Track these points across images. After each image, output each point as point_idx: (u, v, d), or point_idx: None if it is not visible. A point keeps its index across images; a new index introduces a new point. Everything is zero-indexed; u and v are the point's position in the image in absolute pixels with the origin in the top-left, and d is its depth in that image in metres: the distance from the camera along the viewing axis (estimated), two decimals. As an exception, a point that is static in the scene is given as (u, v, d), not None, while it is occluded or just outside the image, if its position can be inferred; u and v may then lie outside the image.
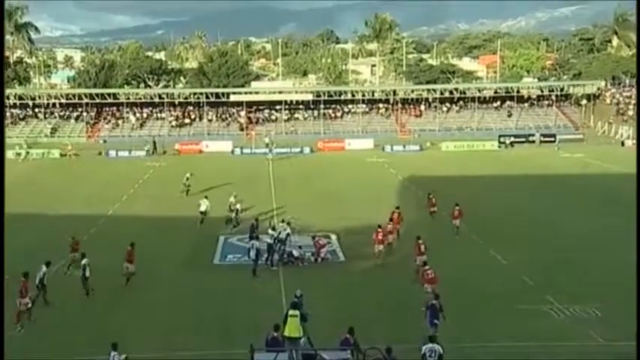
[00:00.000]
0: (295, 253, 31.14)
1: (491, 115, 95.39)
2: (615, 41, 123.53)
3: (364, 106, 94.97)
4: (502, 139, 79.53)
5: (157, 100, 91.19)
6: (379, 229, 30.96)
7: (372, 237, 30.92)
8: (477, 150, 75.51)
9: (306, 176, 56.73)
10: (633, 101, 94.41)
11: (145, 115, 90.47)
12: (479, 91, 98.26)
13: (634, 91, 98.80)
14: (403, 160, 67.44)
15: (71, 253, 29.35)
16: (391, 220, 33.52)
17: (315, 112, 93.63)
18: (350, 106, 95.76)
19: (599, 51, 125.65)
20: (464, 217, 35.20)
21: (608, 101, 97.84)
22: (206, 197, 39.10)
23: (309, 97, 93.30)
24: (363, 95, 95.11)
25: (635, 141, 77.32)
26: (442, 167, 61.03)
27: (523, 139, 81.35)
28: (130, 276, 27.73)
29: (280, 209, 41.15)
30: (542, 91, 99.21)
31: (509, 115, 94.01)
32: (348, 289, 27.47)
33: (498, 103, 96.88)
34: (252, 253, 29.57)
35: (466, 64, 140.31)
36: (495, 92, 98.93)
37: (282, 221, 33.82)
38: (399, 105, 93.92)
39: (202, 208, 37.77)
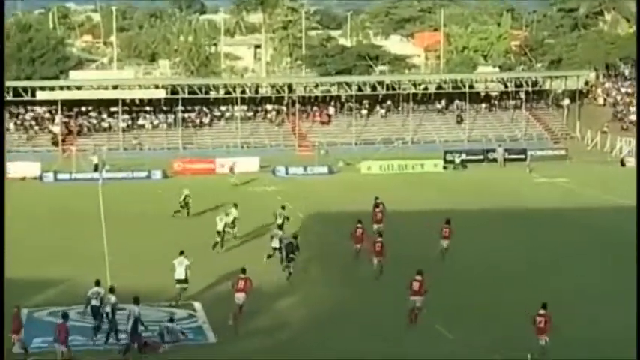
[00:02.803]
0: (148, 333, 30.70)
1: (434, 121, 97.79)
2: (608, 14, 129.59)
3: (244, 107, 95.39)
4: (449, 157, 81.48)
5: None
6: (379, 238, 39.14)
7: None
8: (413, 173, 77.02)
9: (156, 215, 56.08)
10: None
11: None
12: (414, 85, 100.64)
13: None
14: (304, 189, 67.72)
15: None
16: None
17: (170, 117, 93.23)
18: (223, 107, 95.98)
19: (586, 28, 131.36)
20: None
21: (600, 101, 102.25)
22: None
23: (161, 93, 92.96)
24: (243, 91, 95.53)
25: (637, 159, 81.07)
26: (361, 198, 61.56)
27: (480, 157, 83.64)
28: None
29: (115, 269, 40.51)
30: (506, 86, 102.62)
31: (460, 122, 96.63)
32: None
33: (443, 103, 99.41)
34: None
35: (395, 45, 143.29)
36: (439, 87, 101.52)
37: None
38: (297, 106, 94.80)
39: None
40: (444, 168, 79.64)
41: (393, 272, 40.02)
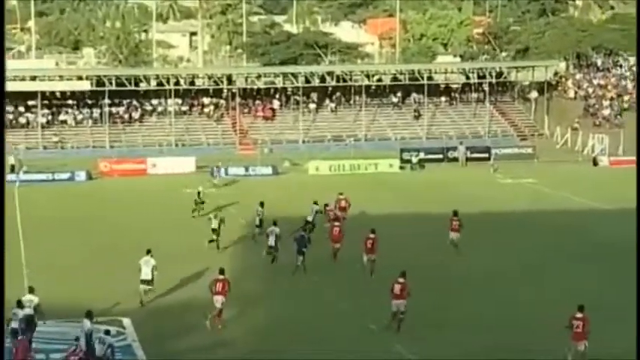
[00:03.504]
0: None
1: (389, 116, 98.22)
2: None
3: (179, 101, 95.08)
4: (406, 156, 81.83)
5: None
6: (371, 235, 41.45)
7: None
8: (366, 173, 77.25)
9: (78, 220, 55.77)
10: (611, 93, 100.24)
11: None
12: (367, 77, 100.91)
13: (612, 78, 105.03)
14: (245, 191, 67.58)
15: None
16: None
17: (96, 112, 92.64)
18: (155, 101, 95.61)
19: (555, 14, 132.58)
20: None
21: (571, 94, 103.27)
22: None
23: (85, 85, 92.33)
24: (177, 83, 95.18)
25: (612, 158, 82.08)
26: (309, 202, 61.65)
27: (439, 156, 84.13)
28: None
29: (32, 277, 40.13)
30: (468, 78, 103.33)
31: (417, 117, 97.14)
32: None
33: (399, 96, 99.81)
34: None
35: (346, 32, 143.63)
36: (394, 79, 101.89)
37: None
38: (238, 100, 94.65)
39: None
40: (401, 168, 79.95)
41: (342, 282, 40.22)
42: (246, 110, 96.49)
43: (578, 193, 65.03)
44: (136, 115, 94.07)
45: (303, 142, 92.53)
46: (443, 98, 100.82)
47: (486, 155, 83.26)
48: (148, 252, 38.21)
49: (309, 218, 49.42)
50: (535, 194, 65.59)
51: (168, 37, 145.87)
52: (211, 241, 47.34)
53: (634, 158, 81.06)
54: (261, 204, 49.53)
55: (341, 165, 78.99)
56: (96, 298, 36.74)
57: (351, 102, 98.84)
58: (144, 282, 37.46)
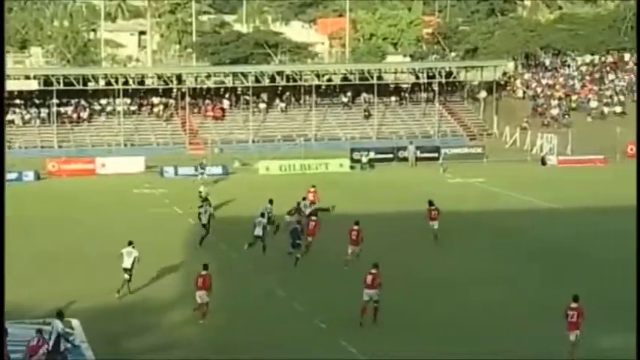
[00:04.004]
0: None
1: (339, 115, 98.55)
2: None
3: (128, 101, 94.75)
4: (356, 156, 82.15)
5: None
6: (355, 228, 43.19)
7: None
8: (317, 173, 77.37)
9: (25, 221, 55.41)
10: (559, 93, 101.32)
11: None
12: (318, 76, 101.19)
13: (560, 77, 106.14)
14: (195, 192, 67.58)
15: None
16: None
17: (44, 112, 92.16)
18: (103, 101, 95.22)
19: (503, 14, 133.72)
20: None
21: (519, 93, 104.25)
22: None
23: (33, 85, 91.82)
24: (126, 83, 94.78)
25: (561, 157, 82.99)
26: (259, 202, 61.72)
27: (389, 155, 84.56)
28: None
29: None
30: (417, 78, 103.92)
31: (367, 117, 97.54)
32: None
33: (349, 96, 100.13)
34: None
35: (296, 32, 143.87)
36: (344, 79, 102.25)
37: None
38: (187, 99, 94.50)
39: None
40: (351, 168, 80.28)
41: (296, 281, 40.39)
42: (195, 110, 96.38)
43: (526, 192, 65.65)
44: (84, 114, 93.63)
45: (254, 141, 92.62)
46: (393, 98, 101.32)
47: (436, 155, 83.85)
48: (130, 243, 39.05)
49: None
50: (483, 194, 66.17)
51: (116, 36, 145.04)
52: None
53: (582, 158, 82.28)
54: (270, 201, 49.70)
55: (291, 165, 79.15)
56: (45, 299, 36.62)
57: (301, 102, 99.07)
58: (125, 270, 38.51)
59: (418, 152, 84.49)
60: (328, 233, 47.31)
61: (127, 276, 38.54)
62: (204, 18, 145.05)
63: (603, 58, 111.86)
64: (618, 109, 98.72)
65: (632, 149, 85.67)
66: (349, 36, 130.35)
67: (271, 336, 33.23)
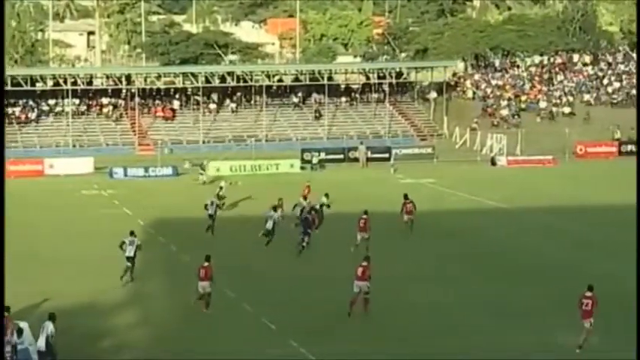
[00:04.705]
0: None
1: (290, 116, 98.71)
2: (477, 0, 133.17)
3: (76, 101, 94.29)
4: (307, 156, 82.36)
5: None
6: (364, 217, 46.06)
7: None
8: (268, 174, 77.55)
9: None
10: (509, 93, 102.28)
11: None
12: (268, 77, 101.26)
13: (509, 78, 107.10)
14: (145, 193, 67.44)
15: None
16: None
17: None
18: (52, 101, 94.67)
19: (453, 14, 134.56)
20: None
21: (469, 94, 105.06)
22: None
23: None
24: (75, 83, 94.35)
25: (510, 157, 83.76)
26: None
27: (340, 156, 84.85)
28: None
29: None
30: (368, 78, 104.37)
31: (318, 117, 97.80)
32: None
33: (300, 96, 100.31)
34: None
35: (247, 32, 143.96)
36: (295, 79, 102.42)
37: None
38: (137, 100, 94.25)
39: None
40: (302, 168, 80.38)
41: (245, 282, 40.49)
42: (145, 110, 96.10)
43: (475, 192, 66.19)
44: (32, 115, 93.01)
45: (204, 142, 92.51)
46: (343, 98, 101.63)
47: (387, 155, 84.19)
48: (132, 233, 41.10)
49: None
50: (434, 194, 66.53)
51: (65, 36, 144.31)
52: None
53: (531, 158, 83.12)
54: (274, 208, 49.76)
55: (242, 166, 79.17)
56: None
57: (252, 102, 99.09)
58: (128, 259, 40.27)
59: (369, 153, 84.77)
60: (279, 235, 47.59)
61: (129, 264, 40.21)
62: (154, 18, 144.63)
63: (552, 59, 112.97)
64: (567, 109, 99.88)
65: (581, 150, 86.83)
66: (300, 36, 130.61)
67: (221, 336, 33.28)
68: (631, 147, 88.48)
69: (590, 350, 30.60)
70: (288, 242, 46.17)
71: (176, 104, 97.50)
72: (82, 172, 76.47)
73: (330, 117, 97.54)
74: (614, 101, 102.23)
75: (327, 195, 54.70)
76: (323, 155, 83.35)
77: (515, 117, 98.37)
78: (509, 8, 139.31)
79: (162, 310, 36.11)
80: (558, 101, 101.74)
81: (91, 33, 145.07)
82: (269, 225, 47.43)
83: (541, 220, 56.29)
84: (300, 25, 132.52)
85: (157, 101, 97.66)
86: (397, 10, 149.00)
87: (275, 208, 48.74)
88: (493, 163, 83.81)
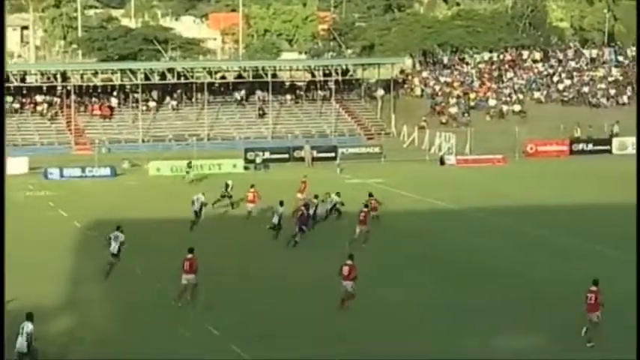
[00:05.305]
0: None
1: (233, 114, 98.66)
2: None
3: (10, 99, 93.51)
4: (251, 156, 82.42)
5: None
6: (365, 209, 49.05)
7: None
8: (210, 174, 77.37)
9: None
10: (458, 91, 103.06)
11: None
12: (210, 73, 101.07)
13: (458, 75, 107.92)
14: (82, 194, 67.17)
15: None
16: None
17: None
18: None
19: (400, 10, 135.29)
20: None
21: (417, 91, 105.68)
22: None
23: None
24: (8, 80, 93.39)
25: (459, 157, 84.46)
26: (151, 204, 61.79)
27: (285, 155, 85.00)
28: None
29: None
30: (313, 76, 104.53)
31: (262, 115, 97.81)
32: None
33: (243, 94, 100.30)
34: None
35: (188, 27, 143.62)
36: (238, 76, 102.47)
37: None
38: (73, 97, 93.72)
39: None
40: (245, 168, 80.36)
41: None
42: (82, 109, 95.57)
43: (424, 192, 66.54)
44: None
45: (143, 141, 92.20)
46: (288, 96, 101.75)
47: (333, 155, 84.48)
48: (118, 228, 42.01)
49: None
50: (382, 194, 66.76)
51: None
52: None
53: (480, 157, 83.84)
54: (281, 203, 51.22)
55: (183, 166, 78.91)
56: None
57: (193, 100, 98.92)
58: (112, 255, 41.33)
59: (314, 152, 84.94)
60: (219, 237, 47.68)
61: (112, 260, 41.30)
62: (91, 12, 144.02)
63: (502, 56, 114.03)
64: (517, 107, 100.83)
65: (531, 148, 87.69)
66: (242, 32, 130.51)
67: (162, 341, 33.31)
68: (582, 146, 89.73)
69: (533, 351, 31.23)
70: (242, 244, 46.08)
71: (114, 102, 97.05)
72: (15, 172, 75.64)
73: (275, 115, 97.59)
74: (565, 99, 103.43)
75: (338, 194, 56.03)
76: (267, 155, 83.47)
77: (465, 115, 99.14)
78: (458, 4, 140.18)
79: (101, 314, 36.07)
80: (508, 99, 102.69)
81: (24, 28, 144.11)
82: (275, 219, 49.73)
83: (490, 220, 56.84)
84: (243, 20, 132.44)
85: (94, 99, 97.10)
86: (343, 5, 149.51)
87: (282, 203, 50.53)
88: (442, 162, 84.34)
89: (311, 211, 51.95)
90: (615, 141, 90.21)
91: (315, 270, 42.86)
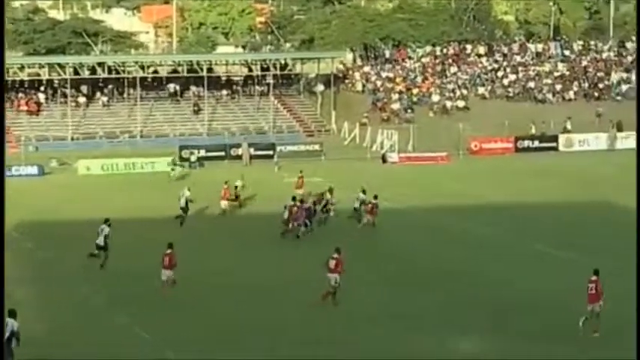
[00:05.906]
0: None
1: (166, 110, 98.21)
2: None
3: None
4: (186, 153, 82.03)
5: None
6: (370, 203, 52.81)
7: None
8: (143, 173, 77.14)
9: None
10: (400, 86, 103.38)
11: None
12: (142, 68, 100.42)
13: (400, 70, 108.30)
14: (8, 194, 66.33)
15: None
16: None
17: None
18: None
19: (341, 2, 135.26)
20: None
21: (359, 87, 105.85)
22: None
23: None
24: None
25: (402, 154, 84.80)
26: (80, 205, 61.29)
27: (221, 153, 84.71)
28: None
29: None
30: (250, 70, 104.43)
31: (197, 111, 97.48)
32: None
33: (177, 89, 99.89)
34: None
35: (119, 19, 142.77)
36: (172, 71, 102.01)
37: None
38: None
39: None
40: (180, 166, 79.87)
41: (111, 291, 40.31)
42: (7, 104, 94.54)
43: (365, 191, 66.66)
44: None
45: (73, 139, 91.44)
46: (224, 91, 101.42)
47: (271, 152, 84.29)
48: (106, 221, 44.68)
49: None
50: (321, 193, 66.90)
51: None
52: (179, 217, 54.84)
53: (423, 155, 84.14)
54: (294, 199, 53.77)
55: (114, 164, 78.53)
56: None
57: (125, 95, 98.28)
58: (97, 246, 44.08)
59: (252, 149, 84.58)
60: (157, 241, 47.43)
61: (96, 251, 44.03)
62: (16, 4, 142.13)
63: (445, 50, 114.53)
64: (461, 103, 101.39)
65: (476, 146, 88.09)
66: (176, 25, 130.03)
67: (92, 348, 33.08)
68: (528, 143, 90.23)
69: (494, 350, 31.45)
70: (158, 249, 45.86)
71: (42, 97, 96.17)
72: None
73: (210, 111, 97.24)
74: (510, 94, 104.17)
75: (364, 191, 57.19)
76: (203, 153, 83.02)
77: (407, 111, 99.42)
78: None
79: (27, 316, 35.64)
80: (452, 95, 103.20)
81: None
82: (285, 215, 51.80)
83: (433, 219, 57.17)
84: (177, 12, 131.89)
85: (21, 94, 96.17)
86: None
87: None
88: (384, 160, 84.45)
89: (305, 207, 53.24)
90: (562, 138, 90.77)
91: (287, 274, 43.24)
